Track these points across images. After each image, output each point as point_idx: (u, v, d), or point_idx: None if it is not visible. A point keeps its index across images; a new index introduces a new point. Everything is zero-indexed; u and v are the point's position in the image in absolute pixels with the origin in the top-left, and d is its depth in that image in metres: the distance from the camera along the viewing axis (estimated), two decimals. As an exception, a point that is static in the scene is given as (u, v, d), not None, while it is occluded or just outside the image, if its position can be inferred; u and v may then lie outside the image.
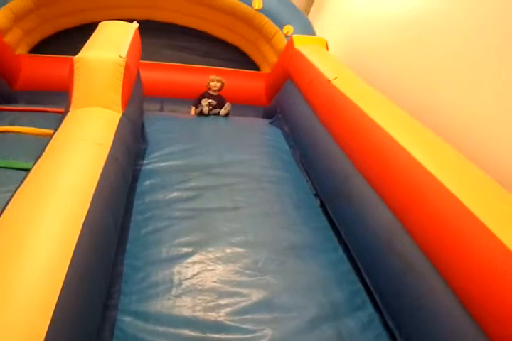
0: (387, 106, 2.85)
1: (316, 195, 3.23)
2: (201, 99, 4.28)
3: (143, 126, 3.66)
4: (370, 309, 2.32)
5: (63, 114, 2.69)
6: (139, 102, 3.42)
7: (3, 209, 1.74)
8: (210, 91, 4.34)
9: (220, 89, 4.36)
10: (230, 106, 4.29)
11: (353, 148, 2.81)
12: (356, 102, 2.89)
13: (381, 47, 4.17)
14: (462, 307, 1.75)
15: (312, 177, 3.39)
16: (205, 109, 4.20)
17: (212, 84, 4.32)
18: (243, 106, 4.53)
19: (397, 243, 2.19)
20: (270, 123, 4.40)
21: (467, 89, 2.92)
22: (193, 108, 4.34)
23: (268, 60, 5.25)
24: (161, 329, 2.01)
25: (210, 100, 4.28)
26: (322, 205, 3.12)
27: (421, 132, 2.50)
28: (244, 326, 2.08)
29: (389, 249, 2.24)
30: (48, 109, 3.74)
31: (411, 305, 2.02)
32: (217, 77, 4.34)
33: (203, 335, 2.01)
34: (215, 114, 4.28)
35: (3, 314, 1.27)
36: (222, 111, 4.25)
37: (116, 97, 2.75)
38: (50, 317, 1.33)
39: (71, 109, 2.65)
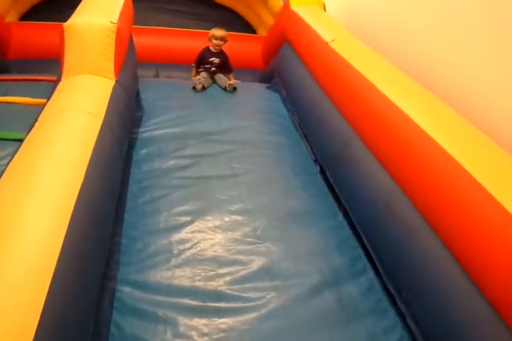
0: (386, 68, 2.81)
1: (316, 161, 3.20)
2: (201, 58, 4.10)
3: (138, 93, 3.60)
4: (370, 274, 2.31)
5: (55, 83, 2.65)
6: (132, 69, 3.36)
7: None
8: (212, 49, 4.11)
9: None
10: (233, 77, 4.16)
11: (351, 112, 2.77)
12: (354, 65, 2.84)
13: (380, 7, 4.07)
14: (462, 270, 1.75)
15: (311, 142, 3.35)
16: (199, 87, 3.91)
17: (215, 42, 4.06)
18: (240, 71, 4.43)
19: (396, 207, 2.18)
20: (268, 87, 4.33)
21: (465, 48, 2.86)
22: (194, 68, 4.20)
23: (264, 23, 5.15)
24: (160, 299, 2.01)
25: (212, 58, 4.07)
26: (322, 171, 3.09)
27: (420, 94, 2.47)
28: (244, 294, 2.08)
29: (388, 214, 2.23)
30: (41, 77, 3.66)
31: (411, 269, 2.02)
32: (221, 33, 4.04)
33: (203, 304, 2.01)
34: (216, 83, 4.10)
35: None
36: (229, 87, 3.98)
37: (109, 64, 2.70)
38: (47, 289, 1.31)
39: (63, 78, 2.60)
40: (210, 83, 4.07)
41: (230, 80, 4.08)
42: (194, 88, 3.91)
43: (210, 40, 4.08)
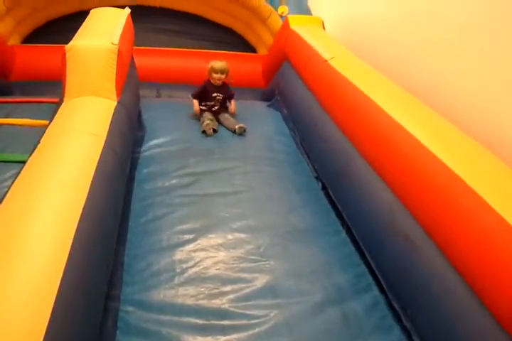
0: (386, 85, 2.82)
1: (317, 178, 3.20)
2: (202, 92, 3.73)
3: (140, 113, 3.62)
4: (375, 291, 2.30)
5: (57, 105, 2.67)
6: (134, 89, 3.39)
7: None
8: (213, 82, 3.74)
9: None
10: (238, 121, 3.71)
11: (352, 129, 2.78)
12: (354, 82, 2.85)
13: (379, 25, 4.10)
14: (467, 287, 1.74)
15: (312, 159, 3.36)
16: (210, 132, 3.54)
17: (215, 76, 3.67)
18: (241, 90, 4.44)
19: (399, 223, 2.18)
20: (268, 106, 4.35)
21: (470, 67, 2.86)
22: (196, 101, 3.75)
23: (264, 42, 5.18)
24: (164, 318, 2.01)
25: (215, 94, 3.73)
26: (324, 188, 3.09)
27: (421, 111, 2.47)
28: (248, 312, 2.07)
29: (392, 230, 2.22)
30: (44, 99, 3.70)
31: (416, 286, 2.01)
32: (221, 65, 3.64)
33: (207, 323, 2.00)
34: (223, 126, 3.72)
35: (2, 309, 1.26)
36: (238, 130, 3.60)
37: (110, 85, 2.72)
38: (50, 310, 1.31)
39: (65, 99, 2.62)
40: (217, 123, 3.71)
41: (231, 107, 3.86)
42: (204, 132, 3.55)
43: (209, 73, 3.72)
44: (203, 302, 2.10)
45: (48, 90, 3.85)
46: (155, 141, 3.39)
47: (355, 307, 2.17)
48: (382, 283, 2.28)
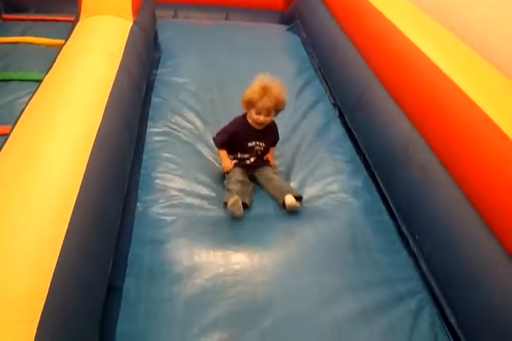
0: (411, 12, 2.73)
1: (335, 105, 3.17)
2: (233, 138, 2.36)
3: (156, 34, 3.56)
4: (385, 216, 2.32)
5: (73, 23, 2.64)
6: (150, 9, 3.32)
7: (16, 122, 1.73)
8: (252, 123, 2.34)
9: None
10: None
11: (373, 56, 2.73)
12: (378, 7, 2.76)
13: None
14: (477, 215, 1.75)
15: (331, 86, 3.31)
16: (238, 213, 2.11)
17: (256, 118, 2.28)
18: (260, 12, 4.34)
19: (414, 151, 2.18)
20: (288, 29, 4.25)
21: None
22: (224, 153, 2.38)
23: (286, -38, 4.98)
24: (175, 229, 2.06)
25: (253, 143, 2.37)
26: (341, 115, 3.06)
27: (444, 37, 2.42)
28: (261, 238, 2.10)
29: (406, 158, 2.23)
30: (59, 17, 3.65)
31: (426, 213, 2.04)
32: (271, 102, 2.21)
33: (220, 236, 2.06)
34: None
35: (24, 213, 1.31)
36: (290, 206, 2.19)
37: (126, 4, 2.69)
38: (67, 224, 1.34)
39: (81, 18, 2.60)
40: (252, 189, 2.34)
41: (270, 159, 2.50)
42: (225, 207, 2.16)
43: (245, 106, 2.34)
44: (217, 217, 2.16)
45: (63, 8, 3.78)
46: (171, 63, 3.35)
47: (365, 230, 2.19)
48: (393, 208, 2.31)
